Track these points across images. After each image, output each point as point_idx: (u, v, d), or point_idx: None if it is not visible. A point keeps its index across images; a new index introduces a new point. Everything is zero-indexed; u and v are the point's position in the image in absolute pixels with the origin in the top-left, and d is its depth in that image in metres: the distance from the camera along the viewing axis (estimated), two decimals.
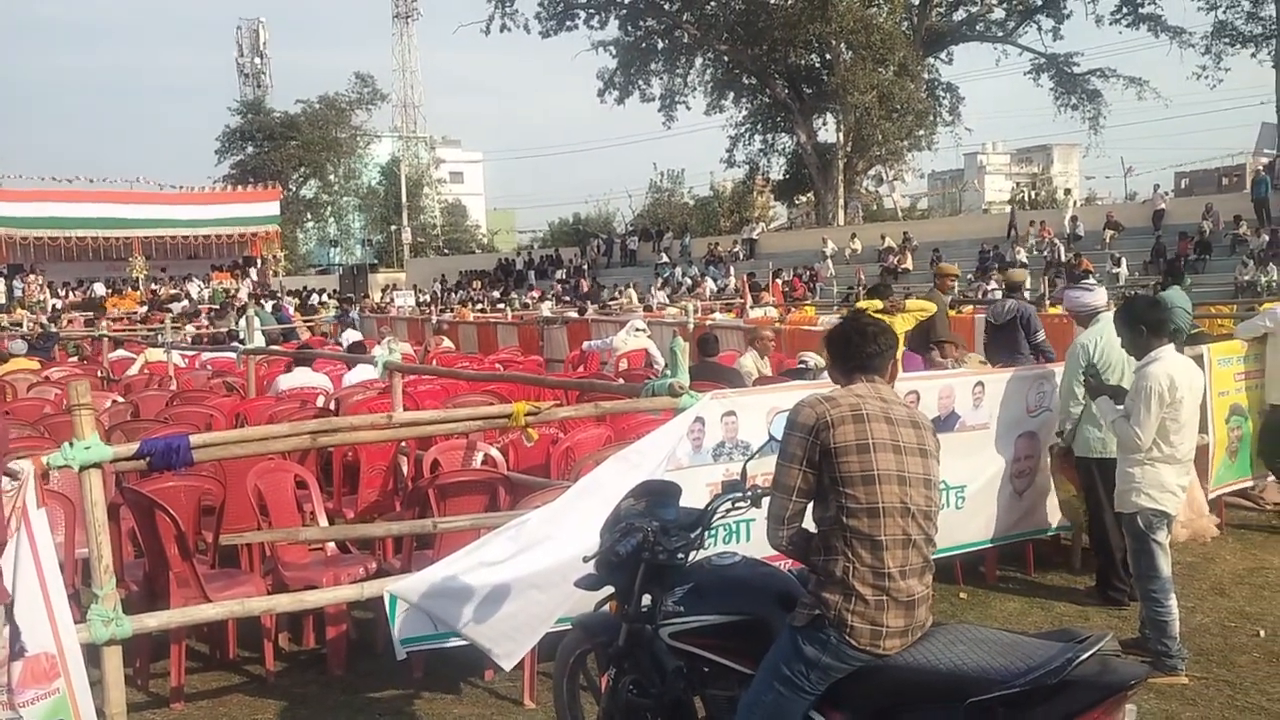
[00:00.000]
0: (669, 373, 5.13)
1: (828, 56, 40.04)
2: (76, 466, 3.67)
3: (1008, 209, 41.82)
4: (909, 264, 31.24)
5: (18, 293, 31.61)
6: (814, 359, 8.73)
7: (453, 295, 36.14)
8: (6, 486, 3.47)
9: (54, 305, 30.17)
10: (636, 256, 41.80)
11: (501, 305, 28.38)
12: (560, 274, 40.16)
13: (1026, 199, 54.42)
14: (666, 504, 3.34)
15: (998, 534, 5.99)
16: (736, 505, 3.32)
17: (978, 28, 42.36)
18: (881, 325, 3.13)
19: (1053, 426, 6.05)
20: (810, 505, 2.91)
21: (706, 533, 3.30)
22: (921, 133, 41.14)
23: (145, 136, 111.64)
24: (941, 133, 43.30)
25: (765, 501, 3.05)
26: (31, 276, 32.82)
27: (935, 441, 2.97)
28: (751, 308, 19.96)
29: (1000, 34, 41.96)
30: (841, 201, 41.79)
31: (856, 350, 3.01)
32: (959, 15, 42.52)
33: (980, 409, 5.81)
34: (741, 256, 37.24)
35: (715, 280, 33.35)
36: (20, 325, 22.11)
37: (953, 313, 15.23)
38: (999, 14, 41.61)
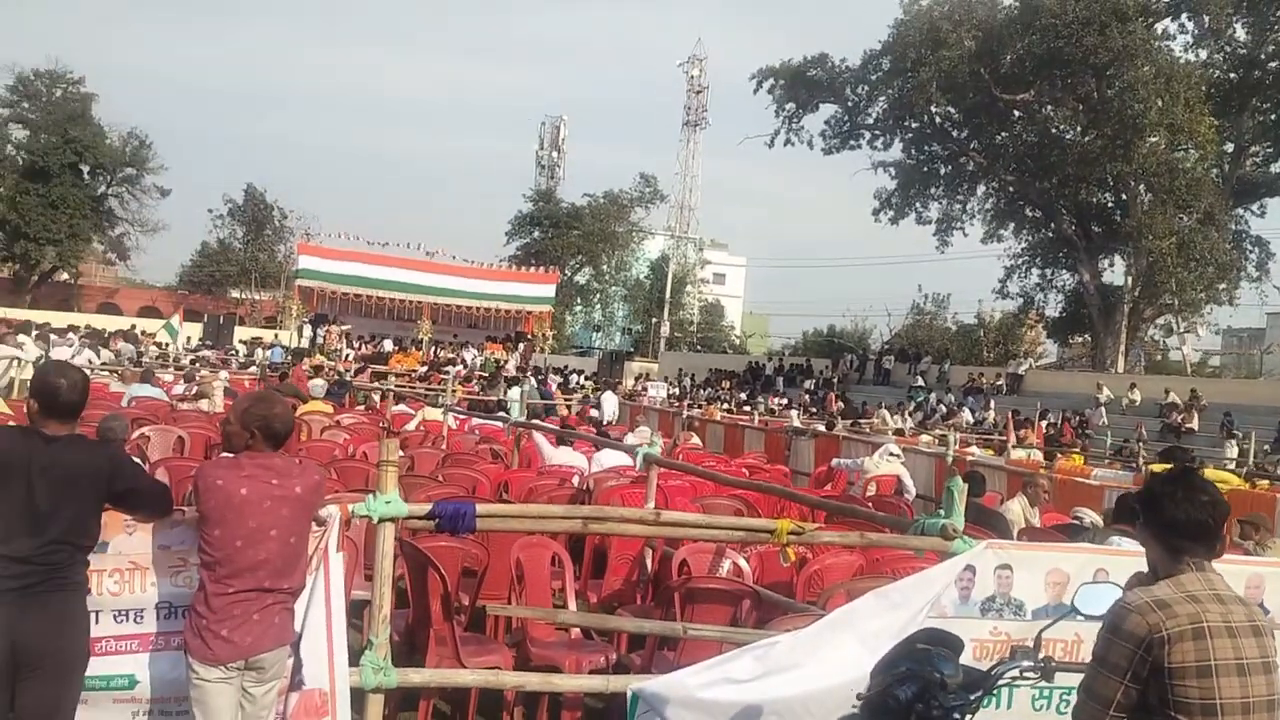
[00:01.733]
0: (942, 511, 4.91)
1: (1123, 196, 38.08)
2: (376, 518, 3.93)
3: None
4: (1194, 424, 28.60)
5: (319, 340, 35.08)
6: (1091, 516, 8.10)
7: (700, 391, 36.62)
8: (314, 529, 3.78)
9: (347, 354, 33.20)
10: (890, 376, 40.79)
11: (748, 408, 28.45)
12: (809, 384, 39.81)
13: None
14: (947, 657, 3.13)
15: None
16: (1025, 674, 3.06)
17: None
18: (1215, 491, 2.72)
19: None
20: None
21: (987, 697, 3.06)
22: (1223, 286, 38.02)
23: (447, 211, 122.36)
24: (1245, 288, 39.97)
25: (1056, 677, 2.78)
26: (332, 327, 36.35)
27: (1274, 645, 2.61)
28: (1013, 447, 18.93)
29: None
30: (1122, 348, 39.15)
31: (1187, 522, 2.64)
32: (1277, 167, 39.40)
33: None
34: (1004, 390, 35.50)
35: (973, 411, 31.92)
36: (320, 369, 24.45)
37: (1246, 486, 13.77)
38: None
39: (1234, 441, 23.82)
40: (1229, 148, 37.72)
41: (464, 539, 5.25)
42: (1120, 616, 2.59)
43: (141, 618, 3.73)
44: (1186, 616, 2.51)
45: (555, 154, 66.79)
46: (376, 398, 18.00)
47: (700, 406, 27.30)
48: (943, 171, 43.50)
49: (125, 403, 12.92)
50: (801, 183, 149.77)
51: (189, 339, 32.71)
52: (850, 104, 43.05)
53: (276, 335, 38.49)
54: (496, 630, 5.93)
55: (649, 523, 4.53)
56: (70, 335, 24.63)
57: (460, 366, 31.82)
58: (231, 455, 3.72)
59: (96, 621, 3.58)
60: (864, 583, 5.24)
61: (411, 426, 13.39)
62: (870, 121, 43.33)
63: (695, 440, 16.78)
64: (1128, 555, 4.74)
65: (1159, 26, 36.96)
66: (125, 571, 3.69)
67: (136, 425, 9.80)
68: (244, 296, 57.65)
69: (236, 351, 32.23)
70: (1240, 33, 37.37)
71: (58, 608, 3.31)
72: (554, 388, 26.72)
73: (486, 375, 28.24)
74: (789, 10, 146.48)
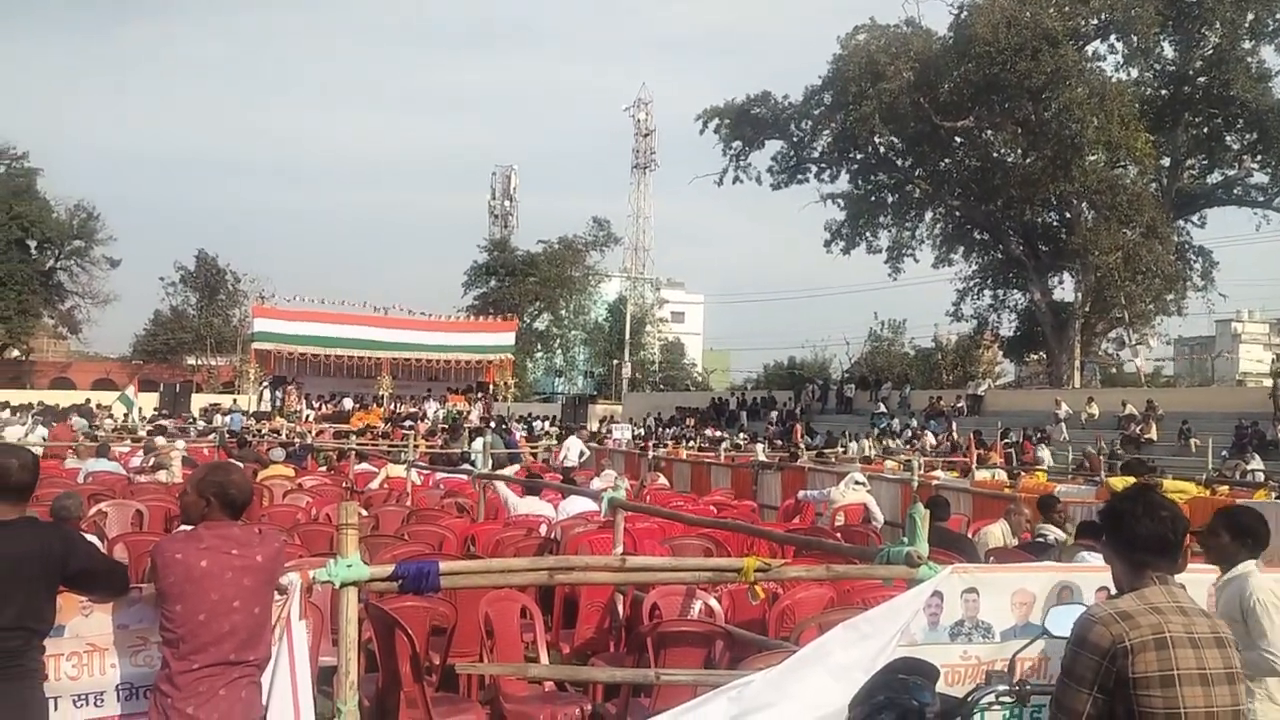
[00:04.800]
0: (905, 539, 4.94)
1: (1068, 214, 38.90)
2: (337, 583, 3.87)
3: (1268, 381, 38.47)
4: (1153, 434, 29.05)
5: (278, 402, 34.79)
6: (1054, 533, 8.19)
7: (666, 431, 36.61)
8: (276, 598, 3.73)
9: (308, 415, 32.93)
10: (853, 404, 41.07)
11: (716, 444, 28.44)
12: (773, 416, 39.99)
13: None
14: (925, 686, 3.15)
15: None
16: (1000, 699, 3.08)
17: (1235, 192, 40.08)
18: (1175, 508, 2.80)
19: None
20: None
21: None
22: (1170, 297, 38.84)
23: (402, 265, 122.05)
24: (1192, 297, 40.82)
25: (1032, 700, 2.81)
26: (291, 388, 36.06)
27: (1239, 657, 2.66)
28: (976, 468, 19.10)
29: (1260, 199, 39.49)
30: (1077, 363, 39.79)
31: (1148, 537, 2.70)
32: (1214, 178, 40.46)
33: None
34: (965, 412, 35.87)
35: (935, 435, 32.19)
36: (279, 433, 24.18)
37: (1206, 493, 13.96)
38: (1260, 179, 39.24)
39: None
40: (1166, 162, 38.70)
41: (431, 597, 5.20)
42: (1085, 628, 2.63)
43: (102, 701, 3.65)
44: (1149, 627, 2.56)
45: (508, 203, 67.01)
46: (337, 457, 17.82)
47: (666, 446, 27.27)
48: (890, 200, 44.14)
49: (81, 479, 12.69)
50: (753, 218, 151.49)
51: (141, 409, 32.16)
52: (795, 139, 43.72)
53: (235, 400, 38.06)
54: (470, 688, 5.85)
55: (615, 569, 4.52)
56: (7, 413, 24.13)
57: (422, 420, 31.61)
58: (189, 528, 3.67)
59: (55, 708, 3.49)
60: (835, 615, 5.24)
61: (375, 485, 13.27)
62: (816, 155, 43.99)
63: (662, 481, 16.71)
64: (1091, 571, 4.81)
65: (1089, 48, 38.05)
66: (83, 654, 3.61)
67: (93, 501, 9.62)
68: (200, 363, 56.97)
69: (194, 419, 31.77)
70: (1169, 50, 38.55)
71: (14, 697, 3.23)
72: (518, 436, 26.59)
73: (449, 427, 28.06)
74: (730, 51, 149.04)
